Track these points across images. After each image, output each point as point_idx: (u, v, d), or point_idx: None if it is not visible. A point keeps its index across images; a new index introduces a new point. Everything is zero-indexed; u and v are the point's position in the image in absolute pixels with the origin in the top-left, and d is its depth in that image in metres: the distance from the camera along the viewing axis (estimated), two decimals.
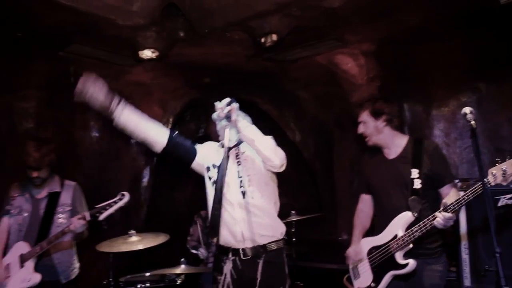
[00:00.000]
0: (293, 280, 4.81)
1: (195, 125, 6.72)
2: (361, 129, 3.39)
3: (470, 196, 2.84)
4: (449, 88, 4.93)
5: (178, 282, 4.42)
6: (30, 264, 3.64)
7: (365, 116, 3.37)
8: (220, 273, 2.95)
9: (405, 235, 3.08)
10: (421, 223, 3.01)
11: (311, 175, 6.46)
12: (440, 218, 2.93)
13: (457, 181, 3.75)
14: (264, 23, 4.15)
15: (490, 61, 4.55)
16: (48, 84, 5.10)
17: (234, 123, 2.77)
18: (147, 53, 4.61)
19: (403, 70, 5.02)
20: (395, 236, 3.13)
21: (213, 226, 2.76)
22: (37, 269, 3.65)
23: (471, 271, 3.65)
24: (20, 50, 4.57)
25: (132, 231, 4.21)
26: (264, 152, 2.87)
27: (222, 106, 2.79)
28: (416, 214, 3.10)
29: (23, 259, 3.65)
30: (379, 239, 3.25)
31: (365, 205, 3.54)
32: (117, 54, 4.89)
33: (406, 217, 3.13)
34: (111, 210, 3.58)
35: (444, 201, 3.02)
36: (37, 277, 3.62)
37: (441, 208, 2.95)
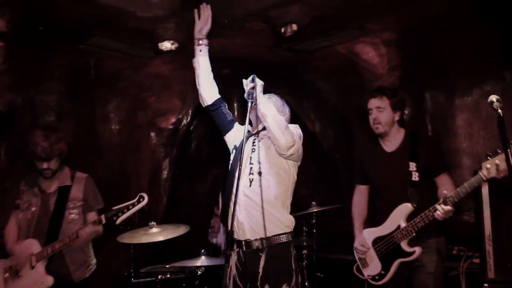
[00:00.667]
0: (313, 271, 4.81)
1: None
2: (375, 114, 3.47)
3: (468, 189, 3.03)
4: (473, 77, 4.82)
5: (198, 273, 4.45)
6: (41, 265, 3.41)
7: (384, 104, 3.47)
8: (228, 264, 2.88)
9: (408, 225, 3.27)
10: (422, 214, 3.19)
11: (331, 166, 6.41)
12: (440, 211, 3.10)
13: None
14: (284, 12, 4.11)
15: None
16: (69, 77, 5.14)
17: (254, 99, 2.84)
18: (166, 45, 4.64)
19: (425, 59, 4.93)
20: (399, 227, 3.33)
21: (223, 211, 2.77)
22: (48, 269, 3.43)
23: (495, 263, 3.58)
24: (41, 43, 4.59)
25: (153, 223, 4.26)
26: (272, 130, 2.86)
27: (246, 82, 2.96)
28: (415, 205, 3.28)
29: (33, 259, 3.42)
30: (382, 229, 3.44)
31: (361, 196, 3.71)
32: (137, 46, 4.89)
33: (406, 208, 3.31)
34: (129, 213, 3.38)
35: (444, 192, 3.15)
36: (49, 280, 3.37)
37: (440, 200, 3.12)
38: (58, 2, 3.86)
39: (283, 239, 2.91)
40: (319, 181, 6.48)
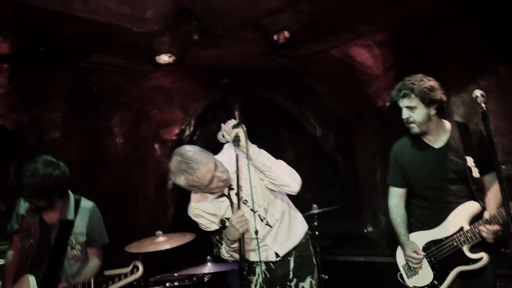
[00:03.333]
0: (318, 273, 4.84)
1: (217, 126, 6.72)
2: (406, 114, 3.02)
3: None
4: (467, 73, 4.85)
5: (206, 279, 4.52)
6: None
7: (415, 102, 2.99)
8: (253, 274, 2.96)
9: (473, 227, 2.87)
10: (496, 214, 2.81)
11: (333, 169, 6.48)
12: (486, 232, 2.80)
13: None
14: (275, 20, 4.21)
15: (509, 42, 4.43)
16: (71, 95, 5.27)
17: (242, 148, 2.65)
18: (164, 58, 4.75)
19: (419, 57, 4.96)
20: (461, 229, 2.92)
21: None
22: None
23: None
24: (44, 63, 4.73)
25: (159, 232, 4.35)
26: (283, 179, 2.74)
27: (227, 129, 2.68)
28: (483, 204, 2.94)
29: None
30: (438, 232, 3.02)
31: (400, 199, 3.27)
32: (136, 61, 5.02)
33: (473, 207, 2.94)
34: (120, 284, 3.05)
35: (485, 213, 2.86)
36: None
37: (482, 220, 2.83)
38: (57, 23, 3.99)
39: (303, 240, 3.04)
40: (322, 183, 6.53)
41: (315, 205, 4.88)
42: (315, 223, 4.87)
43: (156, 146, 6.41)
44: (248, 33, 4.50)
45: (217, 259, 4.88)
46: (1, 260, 3.92)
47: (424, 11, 4.34)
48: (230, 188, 2.80)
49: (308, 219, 4.92)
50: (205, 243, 5.20)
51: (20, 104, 5.03)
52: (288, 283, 2.96)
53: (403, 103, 3.03)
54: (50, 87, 5.09)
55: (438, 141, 3.07)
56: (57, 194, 3.22)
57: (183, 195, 6.59)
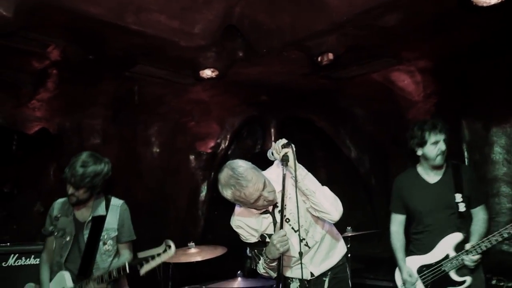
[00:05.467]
0: None
1: (252, 142, 6.86)
2: (443, 146, 3.36)
3: (491, 241, 3.15)
4: (510, 104, 4.80)
5: None
6: None
7: (444, 137, 3.37)
8: None
9: (458, 255, 3.27)
10: (475, 245, 3.21)
11: (366, 192, 6.44)
12: (467, 261, 3.22)
13: None
14: (321, 42, 4.24)
15: None
16: (113, 102, 5.41)
17: (290, 169, 2.64)
18: (207, 73, 4.83)
19: (461, 86, 4.95)
20: (447, 256, 3.33)
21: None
22: None
23: None
24: (90, 71, 4.87)
25: (192, 243, 4.38)
26: (325, 206, 2.73)
27: (277, 148, 2.66)
28: (465, 235, 3.31)
29: None
30: (429, 257, 3.41)
31: (400, 226, 3.65)
32: (178, 73, 5.12)
33: (457, 237, 3.32)
34: (154, 264, 3.06)
35: (466, 245, 3.26)
36: None
37: (464, 250, 3.24)
38: (108, 33, 4.12)
39: (341, 262, 3.04)
40: (355, 206, 6.49)
41: (349, 228, 4.85)
42: (348, 245, 4.82)
43: (191, 158, 6.49)
44: (292, 53, 4.55)
45: (248, 275, 4.91)
46: (38, 259, 4.12)
47: (470, 41, 4.34)
48: (275, 206, 2.81)
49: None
50: (237, 257, 5.26)
51: (64, 109, 5.19)
52: None
53: (440, 136, 3.37)
54: (94, 94, 5.23)
55: (434, 177, 3.49)
56: (100, 188, 3.34)
57: (213, 208, 6.71)
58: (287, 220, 2.81)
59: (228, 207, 2.94)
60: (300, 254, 2.67)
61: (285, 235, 2.60)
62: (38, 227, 3.43)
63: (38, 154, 5.28)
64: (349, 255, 4.79)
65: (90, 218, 3.32)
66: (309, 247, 2.89)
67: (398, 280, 3.59)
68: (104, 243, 3.32)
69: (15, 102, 4.92)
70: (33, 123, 5.18)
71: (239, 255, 5.12)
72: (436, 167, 3.45)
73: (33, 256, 4.21)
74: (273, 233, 2.70)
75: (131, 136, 5.86)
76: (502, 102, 4.85)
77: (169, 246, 3.07)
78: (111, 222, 3.37)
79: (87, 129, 5.43)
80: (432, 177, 3.50)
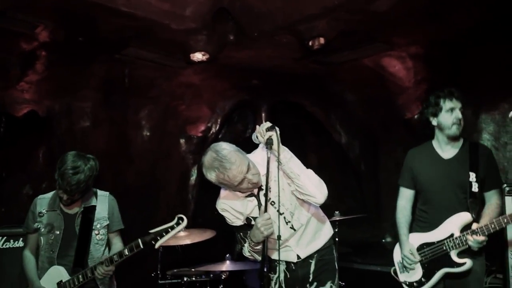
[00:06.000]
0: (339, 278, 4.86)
1: (243, 126, 6.86)
2: (459, 114, 3.21)
3: (501, 223, 2.98)
4: (500, 91, 4.84)
5: (223, 277, 4.57)
6: None
7: (460, 105, 3.22)
8: (273, 272, 2.97)
9: (462, 235, 3.11)
10: (483, 226, 3.04)
11: (356, 177, 6.48)
12: (471, 241, 3.05)
13: (505, 185, 3.80)
14: (312, 26, 4.23)
15: None
16: (103, 85, 5.37)
17: (274, 152, 2.65)
18: (198, 56, 4.81)
19: (452, 72, 4.96)
20: (452, 235, 3.16)
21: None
22: None
23: None
24: (80, 53, 4.82)
25: None
26: (309, 189, 2.74)
27: (261, 131, 2.67)
28: (474, 216, 3.14)
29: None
30: (432, 235, 3.26)
31: (407, 201, 3.48)
32: (170, 57, 5.08)
33: (465, 217, 3.16)
34: (167, 237, 3.15)
35: (474, 224, 3.11)
36: None
37: (470, 231, 3.08)
38: (99, 15, 4.08)
39: (327, 244, 3.06)
40: (344, 191, 6.54)
41: (337, 212, 4.89)
42: (336, 230, 4.87)
43: (182, 141, 6.47)
44: (284, 37, 4.54)
45: (236, 258, 4.95)
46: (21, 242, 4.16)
47: (462, 28, 4.33)
48: (260, 189, 2.81)
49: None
50: (225, 241, 5.29)
51: (53, 92, 5.14)
52: (308, 286, 2.97)
53: (457, 104, 3.22)
54: (84, 76, 5.18)
55: (449, 152, 3.30)
56: (91, 185, 3.36)
57: (203, 192, 6.73)
58: (272, 203, 2.83)
59: (218, 190, 2.95)
60: (279, 237, 2.65)
61: (270, 218, 2.61)
62: (27, 210, 3.42)
63: (27, 137, 5.23)
64: (336, 239, 4.87)
65: (81, 209, 3.33)
66: (295, 230, 2.91)
67: (396, 257, 3.48)
68: (97, 233, 3.34)
69: (3, 84, 4.86)
70: (22, 105, 5.12)
71: (228, 239, 5.16)
72: (452, 139, 3.25)
73: (21, 239, 4.17)
74: (258, 216, 2.71)
75: (122, 120, 5.82)
76: (492, 89, 4.88)
77: (182, 219, 3.18)
78: (102, 212, 3.40)
79: (77, 112, 5.39)
80: (446, 152, 3.30)
